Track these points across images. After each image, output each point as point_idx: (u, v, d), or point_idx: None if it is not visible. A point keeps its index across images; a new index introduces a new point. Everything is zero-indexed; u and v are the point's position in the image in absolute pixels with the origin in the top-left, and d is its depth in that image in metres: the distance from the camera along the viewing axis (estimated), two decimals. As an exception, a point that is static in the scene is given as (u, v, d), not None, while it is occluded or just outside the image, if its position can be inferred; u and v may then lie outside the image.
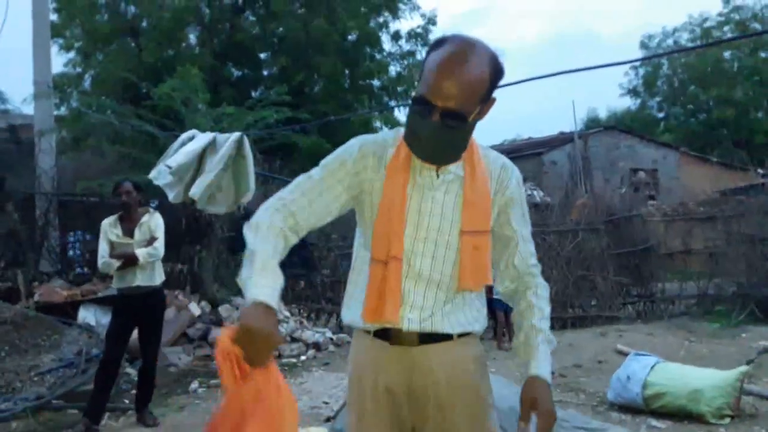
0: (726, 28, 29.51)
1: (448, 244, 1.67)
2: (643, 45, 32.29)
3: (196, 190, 5.16)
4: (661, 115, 33.38)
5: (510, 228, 1.75)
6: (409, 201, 1.67)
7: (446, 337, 1.70)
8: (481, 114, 1.64)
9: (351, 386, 1.81)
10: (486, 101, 1.62)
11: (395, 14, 17.17)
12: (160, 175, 5.20)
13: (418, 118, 1.59)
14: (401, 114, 17.56)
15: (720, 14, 30.17)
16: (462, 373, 1.72)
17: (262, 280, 1.47)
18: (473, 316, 1.75)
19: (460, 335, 1.72)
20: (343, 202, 1.71)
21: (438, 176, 1.68)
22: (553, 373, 5.95)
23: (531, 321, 1.74)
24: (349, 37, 16.74)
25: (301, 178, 1.72)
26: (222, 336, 1.41)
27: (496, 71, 1.60)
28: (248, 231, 1.60)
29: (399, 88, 16.89)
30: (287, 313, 8.87)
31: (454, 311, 1.71)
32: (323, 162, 1.74)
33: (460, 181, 1.69)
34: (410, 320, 1.67)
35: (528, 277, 1.78)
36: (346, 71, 16.69)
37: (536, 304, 1.75)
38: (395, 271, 1.64)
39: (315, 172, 1.72)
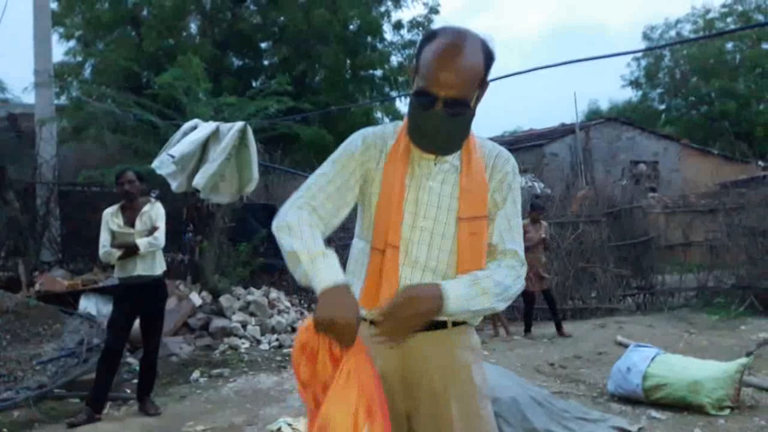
0: (729, 20, 29.36)
1: (444, 233, 1.71)
2: (646, 36, 32.15)
3: (199, 180, 5.16)
4: (662, 106, 33.26)
5: (496, 210, 1.75)
6: (407, 191, 1.72)
7: (440, 326, 1.72)
8: (479, 99, 1.70)
9: None
10: (482, 86, 1.68)
11: (397, 3, 17.10)
12: (163, 164, 5.20)
13: (421, 111, 1.64)
14: (402, 104, 17.53)
15: (723, 5, 30.03)
16: (455, 361, 1.74)
17: (319, 266, 1.55)
18: None
19: (455, 324, 1.74)
20: (356, 193, 1.78)
21: (435, 166, 1.73)
22: (552, 364, 5.94)
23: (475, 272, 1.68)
24: (351, 27, 16.68)
25: (314, 177, 1.77)
26: (303, 329, 1.52)
27: (488, 56, 1.67)
28: (281, 233, 1.65)
29: (400, 78, 16.83)
30: (288, 304, 8.88)
31: None
32: (332, 158, 1.79)
33: (457, 171, 1.73)
34: None
35: (500, 255, 1.72)
36: (348, 61, 16.62)
37: (490, 268, 1.69)
38: (392, 258, 1.69)
39: (327, 168, 1.77)
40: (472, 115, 1.70)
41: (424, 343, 1.70)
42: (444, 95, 1.58)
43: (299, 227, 1.62)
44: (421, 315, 1.54)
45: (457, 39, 1.62)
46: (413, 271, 1.71)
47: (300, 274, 1.58)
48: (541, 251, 8.15)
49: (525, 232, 8.21)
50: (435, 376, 1.71)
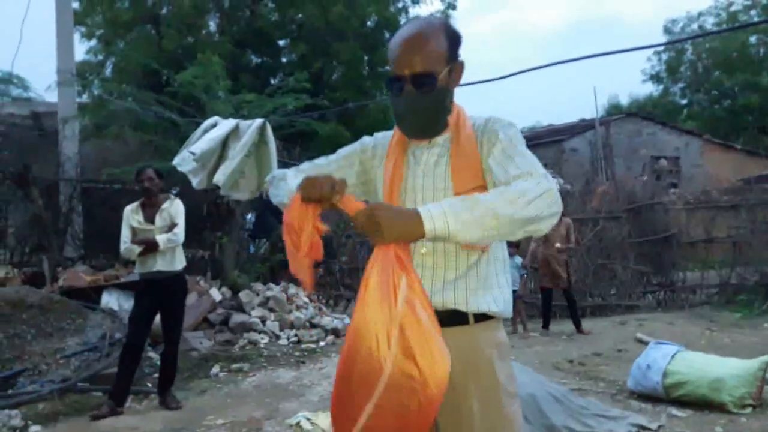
0: (753, 12, 28.87)
1: None
2: (667, 30, 31.75)
3: (219, 177, 5.21)
4: (684, 101, 32.84)
5: (490, 162, 1.68)
6: (405, 181, 1.77)
7: (462, 320, 1.70)
8: (453, 78, 1.74)
9: None
10: (452, 63, 1.72)
11: (414, -1, 17.08)
12: (183, 161, 5.25)
13: (394, 97, 1.72)
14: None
15: (746, -2, 29.53)
16: (477, 357, 1.71)
17: (291, 179, 1.78)
18: (492, 297, 1.73)
19: (478, 320, 1.72)
20: (353, 183, 1.84)
21: (428, 150, 1.77)
22: (571, 361, 5.87)
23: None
24: (368, 23, 16.68)
25: (318, 159, 1.94)
26: (291, 205, 1.64)
27: (450, 34, 1.73)
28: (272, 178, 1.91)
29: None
30: (306, 299, 8.93)
31: (469, 288, 1.70)
32: (340, 149, 1.94)
33: (448, 151, 1.75)
34: None
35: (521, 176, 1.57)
36: (365, 57, 16.63)
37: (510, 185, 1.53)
38: None
39: (331, 155, 1.92)
40: (445, 91, 1.72)
41: (445, 338, 1.69)
42: (409, 72, 1.66)
43: (285, 172, 1.86)
44: (399, 225, 1.42)
45: (412, 24, 1.74)
46: (424, 257, 1.71)
47: (273, 188, 1.79)
48: (570, 246, 8.01)
49: None
50: (456, 372, 1.66)
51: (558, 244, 7.91)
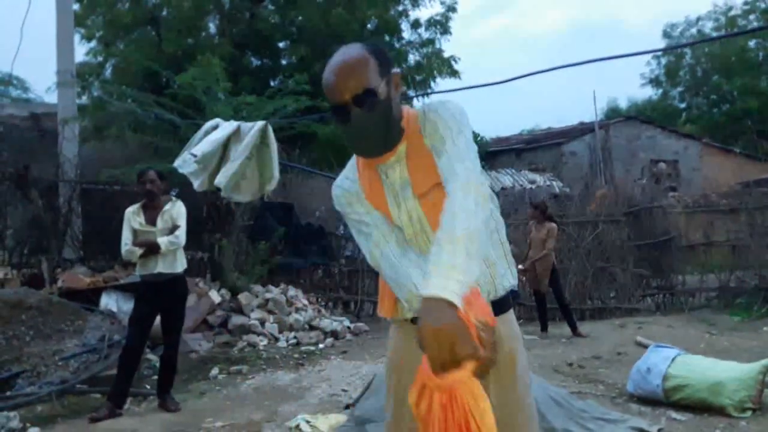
0: (752, 17, 28.94)
1: (419, 216, 1.75)
2: (666, 34, 31.85)
3: (221, 179, 5.21)
4: (683, 105, 32.90)
5: (440, 152, 1.69)
6: (390, 205, 1.77)
7: None
8: (392, 88, 1.73)
9: (389, 374, 1.89)
10: (386, 75, 1.71)
11: (415, 2, 17.09)
12: (185, 163, 5.25)
13: (344, 126, 1.69)
14: (420, 103, 17.51)
15: (745, 2, 29.58)
16: (501, 352, 1.68)
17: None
18: (505, 268, 1.82)
19: (497, 313, 1.70)
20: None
21: (393, 163, 1.76)
22: (570, 364, 5.86)
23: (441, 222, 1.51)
24: (368, 26, 16.68)
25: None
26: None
27: (373, 51, 1.73)
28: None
29: (418, 77, 16.81)
30: (305, 302, 8.92)
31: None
32: (352, 219, 1.86)
33: (406, 156, 1.76)
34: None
35: (448, 184, 1.61)
36: (365, 60, 16.63)
37: (446, 206, 1.54)
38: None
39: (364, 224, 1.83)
40: (388, 102, 1.71)
41: None
42: (349, 96, 1.64)
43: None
44: (457, 340, 1.29)
45: (335, 56, 1.73)
46: (410, 243, 1.75)
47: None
48: (544, 253, 7.97)
49: (528, 233, 8.26)
50: None
51: (530, 252, 8.07)
